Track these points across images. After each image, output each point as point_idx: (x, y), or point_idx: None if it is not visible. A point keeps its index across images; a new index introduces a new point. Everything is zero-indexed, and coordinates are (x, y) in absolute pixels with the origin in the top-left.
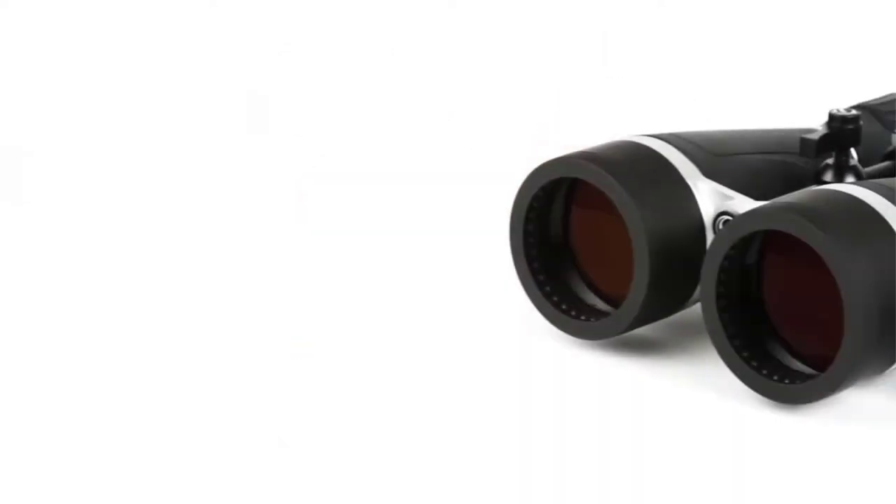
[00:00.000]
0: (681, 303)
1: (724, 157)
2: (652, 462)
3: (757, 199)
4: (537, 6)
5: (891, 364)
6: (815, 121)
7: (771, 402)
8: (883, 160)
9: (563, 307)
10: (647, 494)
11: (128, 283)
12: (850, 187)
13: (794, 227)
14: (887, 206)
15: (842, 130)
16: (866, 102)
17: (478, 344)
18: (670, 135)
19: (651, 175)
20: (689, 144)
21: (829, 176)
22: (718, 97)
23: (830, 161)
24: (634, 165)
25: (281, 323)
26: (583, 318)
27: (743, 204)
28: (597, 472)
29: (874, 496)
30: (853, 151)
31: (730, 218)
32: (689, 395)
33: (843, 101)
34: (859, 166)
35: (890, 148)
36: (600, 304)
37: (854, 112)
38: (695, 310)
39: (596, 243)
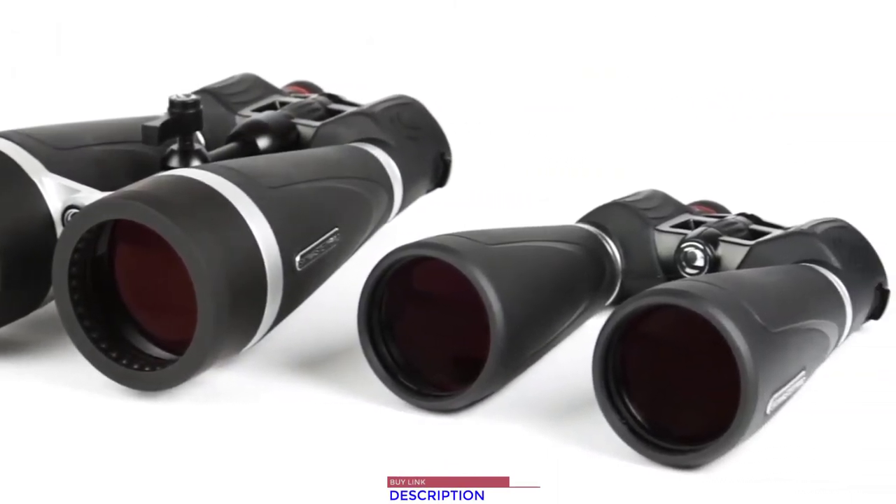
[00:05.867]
0: (38, 300)
1: (67, 150)
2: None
3: (104, 189)
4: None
5: (248, 341)
6: None
7: (134, 390)
8: (228, 142)
9: None
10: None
11: None
12: (193, 171)
13: (138, 215)
14: (230, 187)
15: (183, 115)
16: (208, 86)
17: None
18: (11, 131)
19: None
20: (30, 140)
21: (174, 161)
22: None
23: (175, 147)
24: None
25: None
26: None
27: (89, 196)
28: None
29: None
30: (198, 135)
31: (77, 211)
32: (53, 393)
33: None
34: (204, 150)
35: (234, 129)
36: None
37: (194, 97)
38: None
39: None
